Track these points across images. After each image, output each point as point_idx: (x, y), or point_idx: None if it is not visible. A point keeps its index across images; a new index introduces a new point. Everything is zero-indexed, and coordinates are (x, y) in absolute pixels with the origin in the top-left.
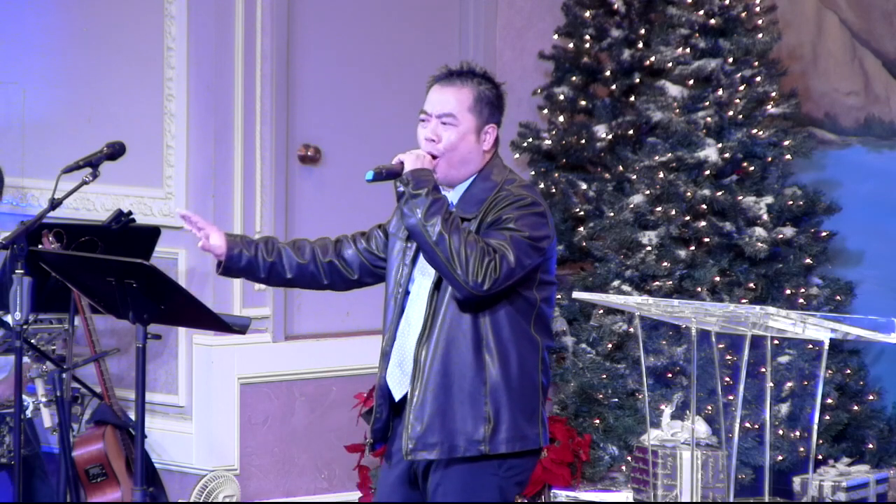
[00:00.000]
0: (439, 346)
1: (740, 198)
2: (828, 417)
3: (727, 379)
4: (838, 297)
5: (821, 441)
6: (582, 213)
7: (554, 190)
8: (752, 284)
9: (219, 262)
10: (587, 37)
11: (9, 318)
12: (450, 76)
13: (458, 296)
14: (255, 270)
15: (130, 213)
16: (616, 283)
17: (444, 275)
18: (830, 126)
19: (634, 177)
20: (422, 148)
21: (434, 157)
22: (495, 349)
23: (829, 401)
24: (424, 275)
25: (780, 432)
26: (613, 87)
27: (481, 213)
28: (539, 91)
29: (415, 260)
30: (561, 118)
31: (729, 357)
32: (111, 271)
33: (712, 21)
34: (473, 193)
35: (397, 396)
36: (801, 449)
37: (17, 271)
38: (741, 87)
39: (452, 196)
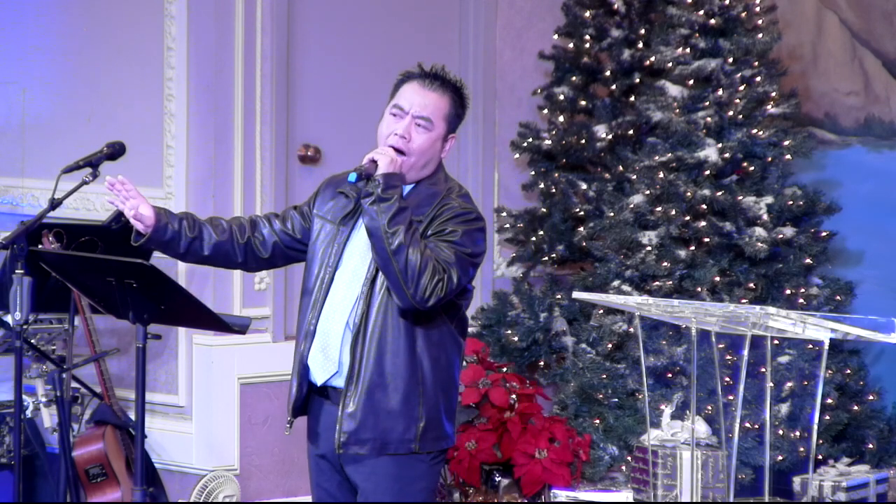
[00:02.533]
0: (373, 344)
1: (740, 198)
2: (828, 417)
3: (727, 379)
4: (838, 297)
5: (821, 441)
6: (582, 213)
7: (554, 190)
8: (752, 284)
9: (137, 232)
10: (587, 37)
11: (9, 318)
12: (432, 78)
13: (400, 305)
14: (176, 245)
15: None
16: (616, 283)
17: (391, 283)
18: (830, 126)
19: (634, 177)
20: (387, 141)
21: (400, 151)
22: (426, 351)
23: (829, 401)
24: (357, 263)
25: (780, 432)
26: (613, 87)
27: (427, 218)
28: (539, 91)
29: (345, 245)
30: (561, 118)
31: (729, 357)
32: (111, 271)
33: (712, 21)
34: (419, 197)
35: (318, 381)
36: (801, 449)
37: (17, 271)
38: (741, 87)
39: None
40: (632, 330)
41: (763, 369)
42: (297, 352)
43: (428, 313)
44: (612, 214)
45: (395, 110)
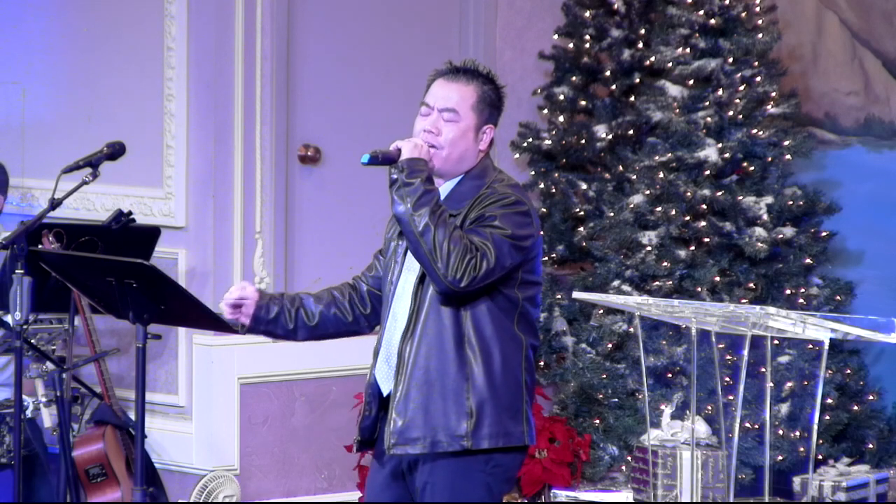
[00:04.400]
0: (422, 341)
1: (740, 198)
2: (828, 417)
3: (727, 379)
4: (838, 297)
5: (821, 441)
6: (582, 213)
7: (554, 190)
8: (752, 284)
9: (242, 324)
10: (587, 37)
11: (9, 318)
12: (456, 72)
13: (437, 289)
14: (284, 320)
15: (130, 213)
16: (616, 283)
17: (424, 266)
18: (830, 126)
19: (634, 177)
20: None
21: (432, 146)
22: (477, 346)
23: (829, 401)
24: (410, 271)
25: (780, 432)
26: (613, 87)
27: (465, 209)
28: (539, 91)
29: (405, 258)
30: (561, 118)
31: (729, 357)
32: (111, 271)
33: (712, 21)
34: (461, 191)
35: (385, 391)
36: (801, 449)
37: (17, 271)
38: (741, 87)
39: (441, 192)
40: (632, 330)
41: (763, 369)
42: (369, 373)
43: (476, 309)
44: (612, 214)
45: (423, 108)
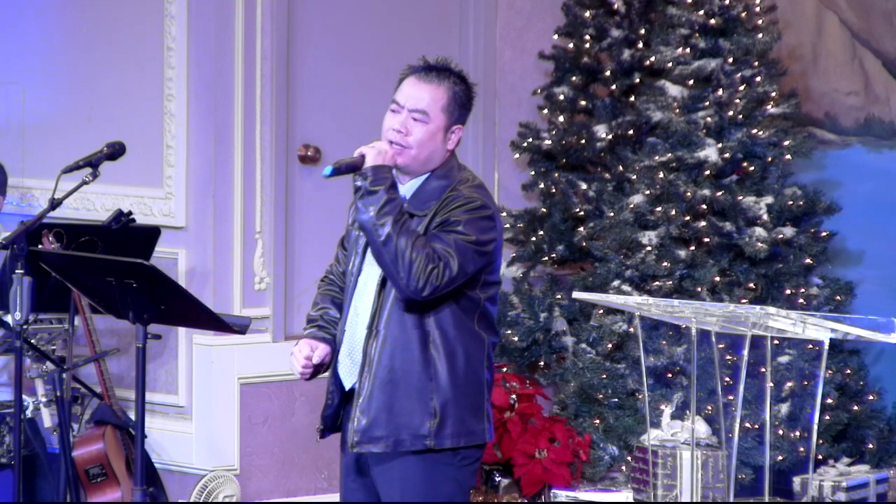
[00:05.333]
0: (387, 341)
1: (740, 198)
2: (828, 417)
3: (727, 379)
4: (838, 297)
5: (821, 441)
6: (582, 213)
7: (554, 190)
8: (752, 284)
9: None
10: (587, 37)
11: (9, 318)
12: (428, 71)
13: (400, 297)
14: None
15: (130, 213)
16: (616, 283)
17: (387, 274)
18: (830, 126)
19: (634, 177)
20: (386, 136)
21: (400, 145)
22: (442, 346)
23: (829, 401)
24: (372, 265)
25: (780, 432)
26: (613, 87)
27: (431, 211)
28: (539, 91)
29: (365, 250)
30: (561, 118)
31: (729, 357)
32: (111, 271)
33: (712, 21)
34: (427, 191)
35: (347, 386)
36: (801, 449)
37: (17, 271)
38: (741, 87)
39: (406, 190)
40: (632, 330)
41: (763, 369)
42: (331, 363)
43: (440, 310)
44: (612, 214)
45: (394, 105)
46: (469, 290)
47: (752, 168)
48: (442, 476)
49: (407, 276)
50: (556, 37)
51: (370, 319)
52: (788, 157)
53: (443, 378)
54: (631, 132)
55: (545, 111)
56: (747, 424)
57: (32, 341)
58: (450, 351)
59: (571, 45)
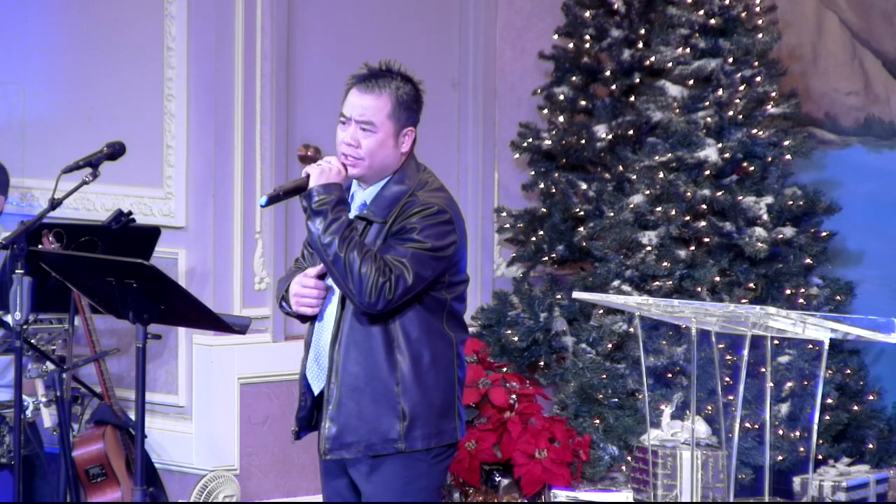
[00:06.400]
0: (351, 347)
1: (740, 198)
2: (828, 417)
3: (727, 379)
4: (838, 297)
5: (821, 441)
6: (582, 213)
7: (554, 190)
8: (752, 284)
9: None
10: (587, 37)
11: (9, 318)
12: (369, 79)
13: (356, 310)
14: None
15: (130, 213)
16: (616, 283)
17: (341, 290)
18: (830, 126)
19: (634, 177)
20: (339, 149)
21: (352, 157)
22: (406, 349)
23: (829, 401)
24: None
25: (780, 432)
26: (613, 87)
27: (390, 219)
28: (539, 91)
29: None
30: (561, 118)
31: (729, 357)
32: (111, 271)
33: (712, 21)
34: (385, 196)
35: (315, 390)
36: (801, 449)
37: (17, 271)
38: (741, 87)
39: (367, 195)
40: (632, 330)
41: (763, 369)
42: (301, 365)
43: (403, 313)
44: (612, 214)
45: (342, 118)
46: (434, 291)
47: (752, 168)
48: (416, 473)
49: (358, 291)
50: (556, 37)
51: (334, 326)
52: (788, 157)
53: (409, 381)
54: (631, 132)
55: (545, 111)
56: (747, 424)
57: (32, 341)
58: (415, 353)
59: (571, 45)
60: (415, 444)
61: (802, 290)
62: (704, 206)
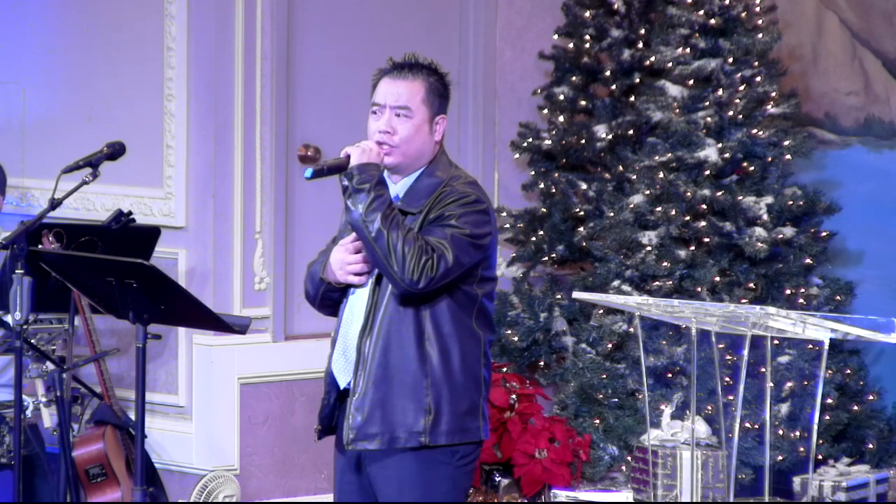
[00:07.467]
0: (381, 338)
1: (740, 198)
2: (828, 417)
3: (727, 379)
4: (838, 297)
5: (821, 441)
6: (582, 213)
7: (554, 190)
8: (752, 284)
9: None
10: (587, 37)
11: (9, 318)
12: (400, 68)
13: (396, 291)
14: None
15: (130, 213)
16: (616, 283)
17: (381, 270)
18: (830, 126)
19: (634, 177)
20: (373, 139)
21: (388, 145)
22: (437, 343)
23: (829, 401)
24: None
25: (780, 432)
26: (613, 87)
27: (425, 208)
28: (539, 91)
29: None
30: (561, 118)
31: (729, 357)
32: (111, 271)
33: (712, 21)
34: (419, 188)
35: (342, 384)
36: (801, 449)
37: (17, 271)
38: (741, 87)
39: (399, 188)
40: (632, 330)
41: (763, 369)
42: (327, 362)
43: (436, 306)
44: (612, 214)
45: (374, 108)
46: (465, 285)
47: (752, 168)
48: (438, 475)
49: (401, 269)
50: (556, 37)
51: (365, 317)
52: (788, 157)
53: (438, 375)
54: (631, 132)
55: (545, 111)
56: (747, 424)
57: (32, 341)
58: (445, 347)
59: (571, 45)
60: (438, 439)
61: (802, 290)
62: (704, 206)
